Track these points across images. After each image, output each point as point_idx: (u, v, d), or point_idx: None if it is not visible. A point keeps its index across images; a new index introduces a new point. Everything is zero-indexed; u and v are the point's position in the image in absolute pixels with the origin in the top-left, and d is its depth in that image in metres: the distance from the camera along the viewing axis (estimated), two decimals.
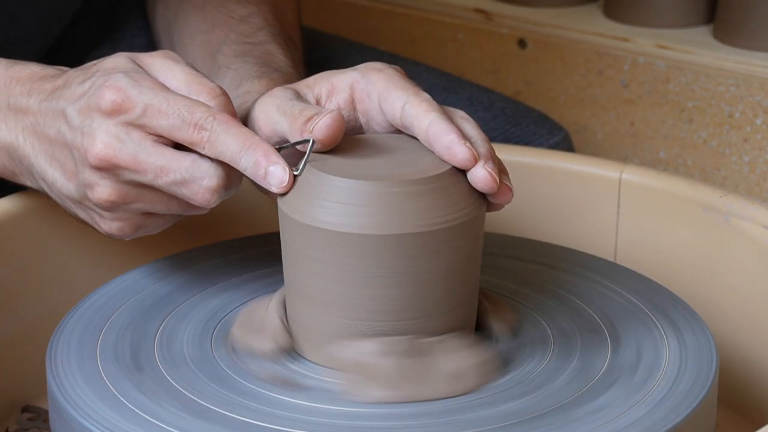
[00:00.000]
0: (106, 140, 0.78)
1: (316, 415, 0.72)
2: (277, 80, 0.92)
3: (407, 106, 0.78)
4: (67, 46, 1.16)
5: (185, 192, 0.78)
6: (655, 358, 0.78)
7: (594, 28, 1.47)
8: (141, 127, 0.78)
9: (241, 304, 0.84)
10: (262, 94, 0.84)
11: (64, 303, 0.87)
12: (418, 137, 0.78)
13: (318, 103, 0.82)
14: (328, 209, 0.74)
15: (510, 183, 0.78)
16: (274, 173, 0.76)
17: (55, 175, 0.83)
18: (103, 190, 0.80)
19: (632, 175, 0.99)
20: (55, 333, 0.81)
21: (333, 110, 0.77)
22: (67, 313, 0.83)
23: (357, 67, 0.83)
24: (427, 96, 0.79)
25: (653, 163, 1.46)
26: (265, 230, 0.94)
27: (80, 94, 0.81)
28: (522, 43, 1.49)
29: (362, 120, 0.83)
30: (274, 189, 0.76)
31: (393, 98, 0.80)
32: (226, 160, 0.77)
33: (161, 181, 0.78)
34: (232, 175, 0.78)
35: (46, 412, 0.88)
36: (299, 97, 0.82)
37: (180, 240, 0.98)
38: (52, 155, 0.83)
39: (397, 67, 0.83)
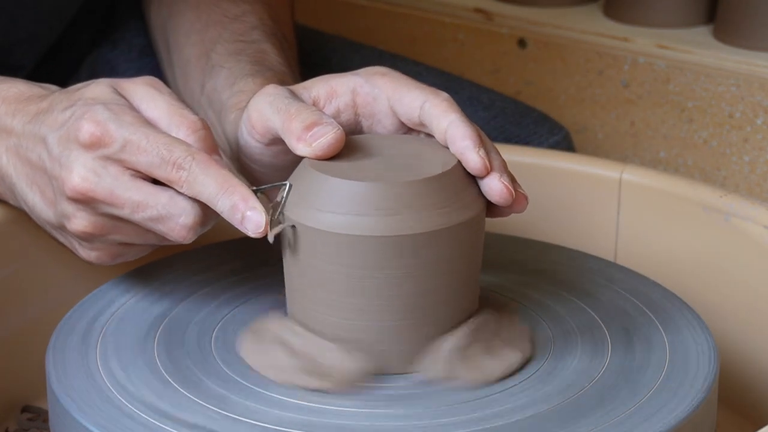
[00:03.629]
0: (83, 173, 0.78)
1: (317, 415, 0.72)
2: (270, 79, 0.92)
3: (427, 105, 0.79)
4: (67, 46, 1.16)
5: (161, 228, 0.78)
6: (655, 358, 0.78)
7: (594, 28, 1.47)
8: (119, 162, 0.78)
9: (240, 304, 0.84)
10: (256, 92, 0.84)
11: (64, 303, 0.87)
12: (435, 136, 0.78)
13: (315, 105, 0.82)
14: (328, 211, 0.74)
15: (523, 190, 0.78)
16: (251, 218, 0.75)
17: (35, 200, 0.84)
18: (80, 222, 0.80)
19: (632, 175, 0.99)
20: (55, 333, 0.81)
21: (337, 128, 0.77)
22: (66, 313, 0.83)
23: (357, 71, 0.83)
24: (446, 95, 0.79)
25: (653, 163, 1.46)
26: None
27: (61, 122, 0.80)
28: (522, 43, 1.49)
29: (365, 123, 0.82)
30: (250, 233, 0.76)
31: (410, 98, 0.80)
32: (204, 201, 0.77)
33: (138, 216, 0.78)
34: (208, 212, 0.78)
35: (46, 412, 0.88)
36: (294, 96, 0.81)
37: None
38: (33, 179, 0.83)
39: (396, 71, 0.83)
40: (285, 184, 0.76)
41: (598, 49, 1.46)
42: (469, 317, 0.78)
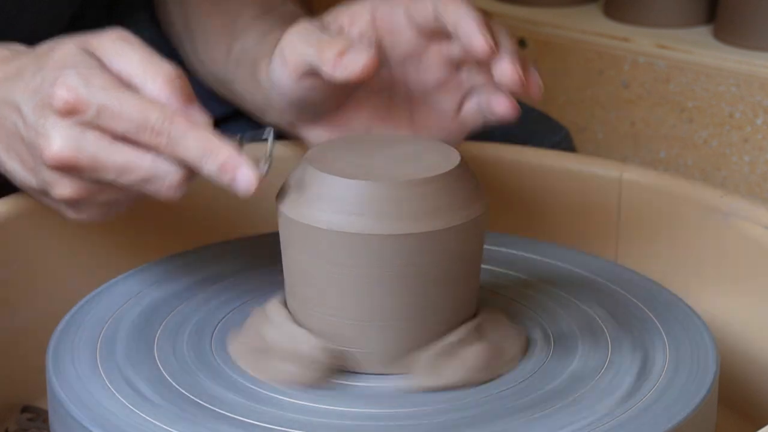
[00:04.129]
0: (62, 142, 0.76)
1: (317, 415, 0.72)
2: None
3: (438, 2, 0.80)
4: None
5: (148, 188, 0.77)
6: (655, 358, 0.78)
7: (594, 28, 1.47)
8: (97, 128, 0.76)
9: (240, 304, 0.84)
10: None
11: (64, 303, 0.87)
12: (449, 29, 0.80)
13: (341, 33, 0.83)
14: (328, 209, 0.74)
15: (538, 78, 0.79)
16: (241, 179, 0.74)
17: (15, 166, 0.82)
18: (64, 189, 0.79)
19: (632, 175, 0.99)
20: (55, 333, 0.81)
21: (369, 50, 0.78)
22: (66, 313, 0.83)
23: None
24: None
25: (653, 163, 1.46)
26: (265, 230, 0.94)
27: (33, 89, 0.79)
28: (522, 43, 1.49)
29: (387, 41, 0.83)
30: (241, 194, 0.74)
31: (424, 1, 0.82)
32: (188, 164, 0.75)
33: (123, 180, 0.77)
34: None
35: (46, 412, 0.88)
36: (323, 27, 0.82)
37: (179, 240, 0.98)
38: (9, 146, 0.82)
39: None
40: (268, 129, 0.76)
41: (598, 49, 1.46)
42: (468, 318, 0.78)
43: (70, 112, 0.76)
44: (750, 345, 0.93)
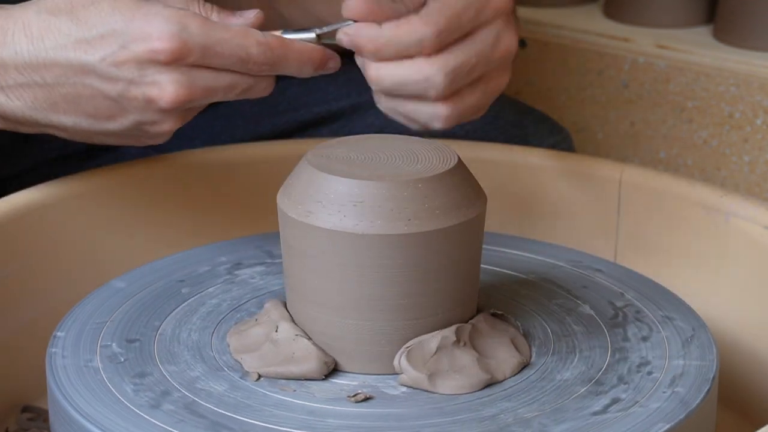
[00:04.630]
0: (174, 88, 0.81)
1: (278, 407, 0.72)
2: None
3: None
4: None
5: (250, 94, 0.84)
6: (655, 358, 0.78)
7: (594, 28, 1.47)
8: (202, 66, 0.81)
9: (240, 305, 0.84)
10: None
11: (64, 303, 0.87)
12: None
13: None
14: (328, 209, 0.74)
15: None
16: (331, 66, 0.83)
17: (76, 121, 0.84)
18: (174, 124, 0.84)
19: (632, 175, 0.99)
20: (55, 333, 0.81)
21: None
22: (66, 313, 0.83)
23: None
24: None
25: (653, 163, 1.46)
26: (265, 230, 0.94)
27: (111, 46, 0.81)
28: (522, 43, 1.49)
29: None
30: (332, 70, 0.84)
31: None
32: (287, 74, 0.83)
33: (230, 95, 0.83)
34: None
35: (46, 412, 0.88)
36: None
37: (179, 241, 0.98)
38: (71, 106, 0.84)
39: None
40: (347, 24, 0.81)
41: (598, 49, 1.46)
42: (468, 317, 0.78)
43: (175, 59, 0.80)
44: (750, 345, 0.93)
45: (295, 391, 0.74)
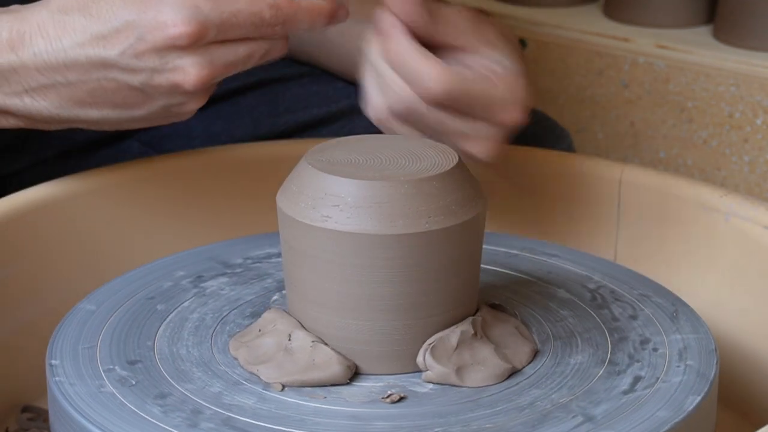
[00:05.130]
0: (197, 70, 0.82)
1: (317, 415, 0.72)
2: None
3: None
4: None
5: (267, 57, 0.85)
6: (652, 334, 0.79)
7: (594, 28, 1.47)
8: (220, 41, 0.82)
9: (224, 317, 0.83)
10: None
11: (64, 303, 0.87)
12: None
13: None
14: (328, 209, 0.74)
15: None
16: (341, 15, 0.85)
17: (101, 114, 0.85)
18: (200, 100, 0.85)
19: (632, 175, 0.99)
20: (55, 333, 0.81)
21: None
22: (66, 313, 0.83)
23: None
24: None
25: (653, 163, 1.46)
26: (264, 230, 0.94)
27: (128, 38, 0.82)
28: (522, 43, 1.49)
29: None
30: (340, 21, 0.85)
31: None
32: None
33: (250, 64, 0.84)
34: None
35: (46, 412, 0.88)
36: None
37: (178, 241, 0.98)
38: (95, 101, 0.85)
39: None
40: None
41: (598, 49, 1.46)
42: (468, 317, 0.78)
43: (194, 42, 0.81)
44: (750, 345, 0.93)
45: (325, 398, 0.74)
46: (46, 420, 0.89)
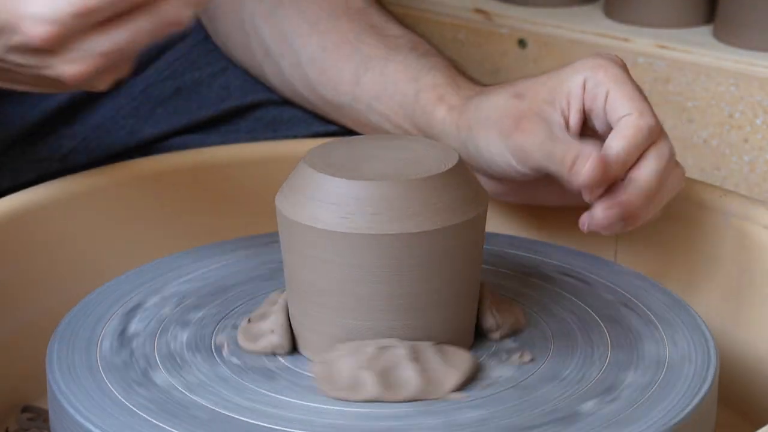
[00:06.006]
0: (71, 67, 0.77)
1: (317, 415, 0.72)
2: (445, 70, 0.95)
3: (624, 119, 0.83)
4: None
5: (169, 29, 0.76)
6: (654, 358, 0.78)
7: (594, 28, 1.47)
8: (91, 30, 0.75)
9: (236, 307, 0.84)
10: (455, 103, 0.90)
11: (64, 303, 0.87)
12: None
13: (565, 118, 0.85)
14: (327, 209, 0.74)
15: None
16: None
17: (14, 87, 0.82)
18: (107, 80, 0.79)
19: None
20: (55, 333, 0.81)
21: (594, 155, 0.81)
22: (67, 312, 0.83)
23: (582, 63, 0.86)
24: (649, 118, 0.83)
25: None
26: (265, 230, 0.94)
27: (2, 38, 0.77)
28: (522, 43, 1.49)
29: (590, 118, 0.86)
30: None
31: (618, 106, 0.84)
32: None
33: (144, 40, 0.76)
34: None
35: (46, 412, 0.88)
36: (550, 127, 0.84)
37: (178, 241, 0.98)
38: (6, 82, 0.82)
39: (616, 57, 0.85)
40: None
41: (598, 49, 1.45)
42: (470, 316, 0.78)
43: (56, 44, 0.76)
44: (749, 345, 0.93)
45: (294, 391, 0.74)
46: (46, 420, 0.89)
